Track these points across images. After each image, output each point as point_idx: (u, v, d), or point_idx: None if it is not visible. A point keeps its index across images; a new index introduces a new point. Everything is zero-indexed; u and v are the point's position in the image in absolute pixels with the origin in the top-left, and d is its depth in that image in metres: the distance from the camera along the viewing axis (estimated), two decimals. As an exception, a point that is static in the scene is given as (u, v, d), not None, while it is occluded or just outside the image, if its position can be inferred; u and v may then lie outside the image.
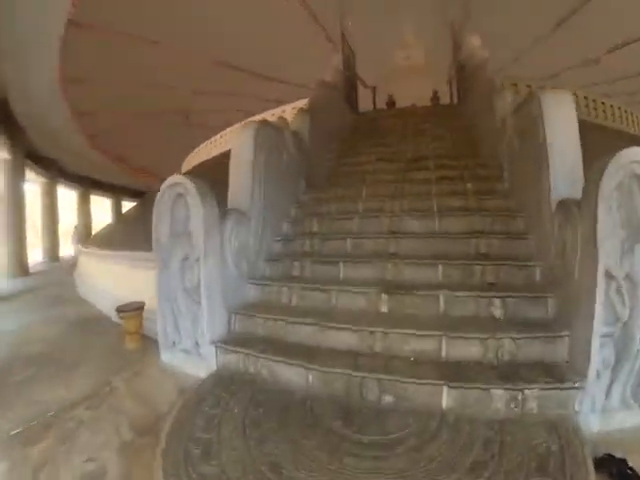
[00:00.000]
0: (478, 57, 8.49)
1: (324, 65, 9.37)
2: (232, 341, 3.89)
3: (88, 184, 23.17)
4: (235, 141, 5.13)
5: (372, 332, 3.47)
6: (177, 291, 4.03)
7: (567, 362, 3.01)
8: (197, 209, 3.90)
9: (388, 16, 15.42)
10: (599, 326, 2.69)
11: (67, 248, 20.46)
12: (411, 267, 4.18)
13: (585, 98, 8.70)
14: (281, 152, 5.67)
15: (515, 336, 3.14)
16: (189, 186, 3.92)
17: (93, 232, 19.67)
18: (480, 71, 7.37)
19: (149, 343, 4.70)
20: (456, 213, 4.87)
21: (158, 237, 4.09)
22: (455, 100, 10.84)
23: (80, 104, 13.29)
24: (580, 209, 2.98)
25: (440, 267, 4.10)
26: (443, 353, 3.24)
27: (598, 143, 4.20)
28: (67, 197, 22.06)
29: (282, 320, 3.88)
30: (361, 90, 12.22)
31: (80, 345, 5.06)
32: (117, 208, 26.80)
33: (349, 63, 9.90)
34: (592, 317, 2.68)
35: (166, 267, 4.05)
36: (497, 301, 3.54)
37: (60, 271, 13.95)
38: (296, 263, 4.76)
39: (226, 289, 4.17)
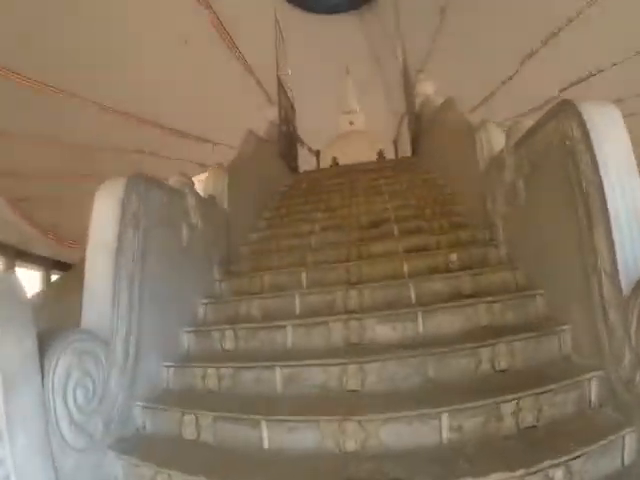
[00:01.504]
0: (435, 102, 7.33)
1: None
2: None
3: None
4: (93, 211, 3.23)
5: None
6: None
7: None
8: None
9: (331, 83, 15.34)
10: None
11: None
12: (388, 426, 2.25)
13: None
14: (178, 225, 3.81)
15: None
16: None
17: None
18: (443, 114, 6.04)
19: None
20: (446, 303, 3.12)
21: None
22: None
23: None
24: None
25: (444, 418, 2.22)
26: None
27: None
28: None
29: None
30: (305, 154, 11.18)
31: None
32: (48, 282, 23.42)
33: (287, 117, 8.52)
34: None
35: None
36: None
37: None
38: (188, 417, 2.72)
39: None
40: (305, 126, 11.00)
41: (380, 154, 13.18)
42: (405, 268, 3.73)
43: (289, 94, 8.79)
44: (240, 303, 3.85)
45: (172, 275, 3.63)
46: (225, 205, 4.78)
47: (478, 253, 3.93)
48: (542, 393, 2.34)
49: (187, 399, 2.99)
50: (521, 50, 11.13)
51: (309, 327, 3.12)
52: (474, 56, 11.60)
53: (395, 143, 15.30)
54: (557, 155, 2.67)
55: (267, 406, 2.54)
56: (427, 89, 8.16)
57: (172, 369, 3.35)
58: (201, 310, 4.04)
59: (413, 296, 3.33)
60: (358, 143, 15.41)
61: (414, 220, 4.74)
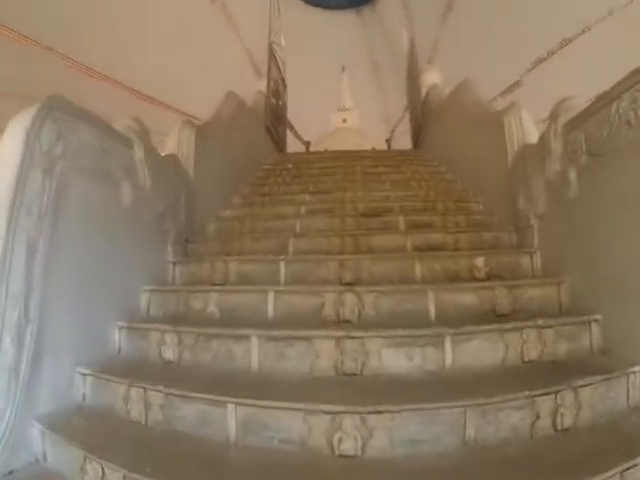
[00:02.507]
0: (443, 90, 6.49)
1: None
2: None
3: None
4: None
5: None
6: None
7: None
8: None
9: (326, 79, 14.88)
10: None
11: None
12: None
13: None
14: (118, 181, 2.80)
15: None
16: None
17: None
18: (456, 100, 5.17)
19: None
20: (483, 326, 2.23)
21: None
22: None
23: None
24: None
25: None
26: None
27: None
28: None
29: None
30: (294, 142, 10.39)
31: None
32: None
33: (277, 90, 7.52)
34: None
35: None
36: None
37: None
38: (91, 466, 1.73)
39: None
40: (297, 120, 10.23)
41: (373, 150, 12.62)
42: (417, 270, 2.82)
43: (281, 67, 7.79)
44: (194, 296, 2.86)
45: (104, 247, 2.64)
46: (190, 169, 3.77)
47: (508, 260, 3.07)
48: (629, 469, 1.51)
49: (100, 432, 2.00)
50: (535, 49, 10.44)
51: (284, 343, 2.14)
52: (485, 49, 10.89)
53: (388, 142, 14.61)
54: (632, 139, 1.85)
55: (212, 471, 1.57)
56: (433, 78, 7.32)
57: (89, 379, 2.37)
58: (143, 299, 3.05)
59: (432, 310, 2.42)
60: (350, 140, 15.05)
61: (423, 213, 3.84)
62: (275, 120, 7.06)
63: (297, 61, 10.60)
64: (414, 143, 7.68)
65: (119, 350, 2.73)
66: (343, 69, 17.70)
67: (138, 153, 3.01)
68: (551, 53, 10.11)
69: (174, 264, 3.40)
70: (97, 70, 10.86)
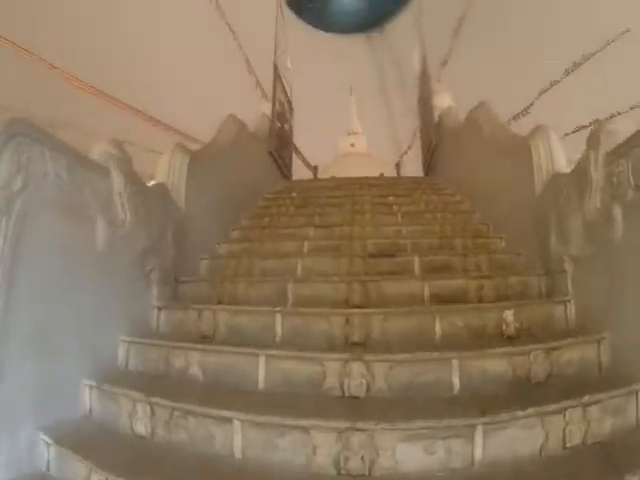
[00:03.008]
0: (457, 114, 6.14)
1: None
2: None
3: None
4: None
5: None
6: None
7: None
8: None
9: (334, 103, 14.87)
10: None
11: None
12: None
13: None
14: (91, 218, 2.44)
15: None
16: None
17: None
18: (473, 124, 4.80)
19: None
20: (517, 412, 1.78)
21: None
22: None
23: None
24: None
25: None
26: None
27: None
28: None
29: None
30: (300, 167, 10.15)
31: None
32: None
33: (283, 113, 7.23)
34: None
35: None
36: None
37: None
38: None
39: None
40: (305, 145, 9.95)
41: (381, 176, 12.35)
42: (437, 327, 2.39)
43: (287, 89, 7.52)
44: (176, 353, 2.45)
45: (74, 293, 2.28)
46: (181, 200, 3.40)
47: (540, 312, 2.64)
48: None
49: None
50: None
51: (273, 432, 1.71)
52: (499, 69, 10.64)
53: (398, 167, 14.31)
54: None
55: None
56: (447, 101, 6.97)
57: (53, 449, 1.97)
58: (122, 351, 2.67)
59: (457, 382, 1.99)
60: (359, 165, 15.01)
61: (440, 252, 3.43)
62: (280, 145, 6.74)
63: (305, 85, 10.43)
64: (426, 169, 7.30)
65: (90, 411, 2.36)
66: (351, 92, 17.67)
67: (116, 184, 2.66)
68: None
69: (159, 309, 3.00)
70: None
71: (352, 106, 17.74)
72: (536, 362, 2.18)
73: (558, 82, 9.95)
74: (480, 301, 2.81)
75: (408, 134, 15.68)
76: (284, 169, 7.03)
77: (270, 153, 6.19)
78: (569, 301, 2.70)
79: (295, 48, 8.53)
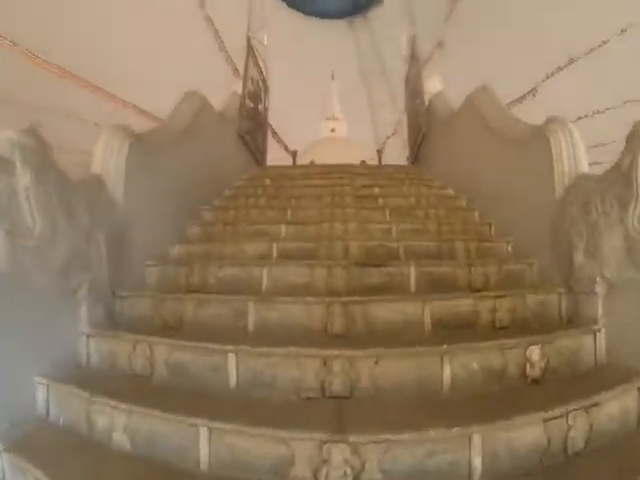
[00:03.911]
0: (448, 99, 5.53)
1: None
2: None
3: None
4: None
5: None
6: None
7: None
8: None
9: (314, 88, 14.33)
10: None
11: None
12: None
13: None
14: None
15: None
16: None
17: None
18: (472, 111, 4.17)
19: None
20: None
21: None
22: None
23: None
24: None
25: None
26: None
27: None
28: None
29: None
30: (278, 153, 9.49)
31: None
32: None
33: (256, 92, 6.46)
34: None
35: None
36: None
37: None
38: None
39: None
40: (284, 128, 9.29)
41: (362, 163, 11.78)
42: (446, 374, 1.79)
43: (262, 66, 6.73)
44: (98, 410, 1.80)
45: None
46: (119, 194, 2.69)
47: (567, 345, 2.08)
48: None
49: None
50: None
51: None
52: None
53: (379, 154, 13.68)
54: None
55: None
56: (438, 85, 6.32)
57: None
58: (40, 395, 2.02)
59: (478, 466, 1.39)
60: (339, 151, 14.60)
61: (440, 260, 2.83)
62: (253, 127, 6.00)
63: (285, 67, 9.72)
64: (413, 158, 6.68)
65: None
66: (333, 77, 17.03)
67: (22, 181, 1.95)
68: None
69: (88, 337, 2.32)
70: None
71: (333, 91, 17.21)
72: (575, 426, 1.62)
73: (572, 62, 9.35)
74: (493, 327, 2.23)
75: (389, 120, 15.15)
76: (257, 154, 6.30)
77: (240, 136, 5.45)
78: (599, 330, 2.17)
79: (276, 28, 7.79)
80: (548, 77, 10.22)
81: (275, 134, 11.11)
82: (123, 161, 2.72)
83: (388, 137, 14.49)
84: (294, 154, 11.04)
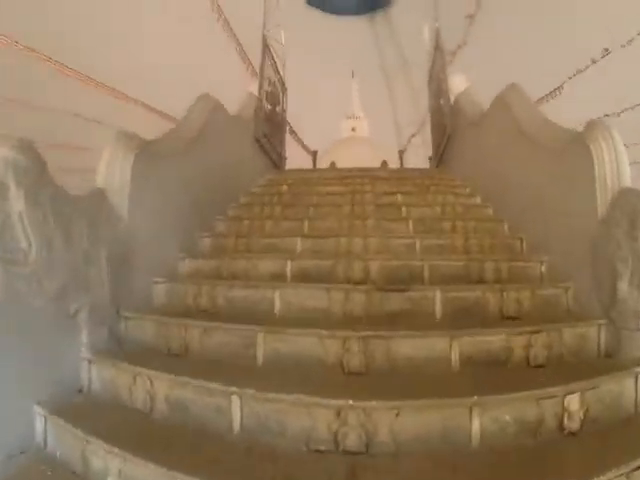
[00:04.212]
0: (477, 100, 5.23)
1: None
2: None
3: None
4: None
5: None
6: None
7: None
8: None
9: (334, 86, 14.08)
10: None
11: None
12: None
13: None
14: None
15: None
16: None
17: None
18: (502, 112, 3.88)
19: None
20: None
21: None
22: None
23: None
24: None
25: None
26: None
27: None
28: None
29: None
30: (298, 155, 9.31)
31: None
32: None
33: (275, 95, 6.28)
34: None
35: None
36: None
37: None
38: None
39: None
40: (304, 128, 9.02)
41: (384, 165, 11.64)
42: (475, 428, 1.56)
43: (279, 66, 6.53)
44: (93, 450, 1.65)
45: None
46: (124, 209, 2.54)
47: (609, 390, 1.82)
48: None
49: None
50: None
51: None
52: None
53: (401, 154, 13.35)
54: None
55: None
56: (460, 83, 5.99)
57: None
58: (39, 426, 1.93)
59: None
60: (360, 150, 14.31)
61: (469, 284, 2.59)
62: (270, 130, 5.82)
63: (305, 66, 9.51)
64: (437, 161, 6.39)
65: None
66: (353, 75, 16.73)
67: (16, 205, 1.82)
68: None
69: (90, 362, 2.18)
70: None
71: (354, 89, 16.88)
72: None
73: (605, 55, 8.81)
74: (527, 365, 1.99)
75: (410, 120, 14.76)
76: (275, 157, 6.12)
77: (257, 139, 5.27)
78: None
79: (294, 26, 7.56)
80: (575, 75, 9.70)
81: (294, 134, 10.91)
82: (128, 173, 2.56)
83: (410, 137, 14.10)
84: (314, 155, 10.87)
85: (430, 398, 1.59)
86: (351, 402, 1.54)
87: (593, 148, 2.44)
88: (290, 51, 7.19)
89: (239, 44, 9.99)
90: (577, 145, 2.57)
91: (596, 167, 2.41)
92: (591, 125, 2.54)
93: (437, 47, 6.39)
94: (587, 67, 8.85)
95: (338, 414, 1.55)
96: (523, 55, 9.49)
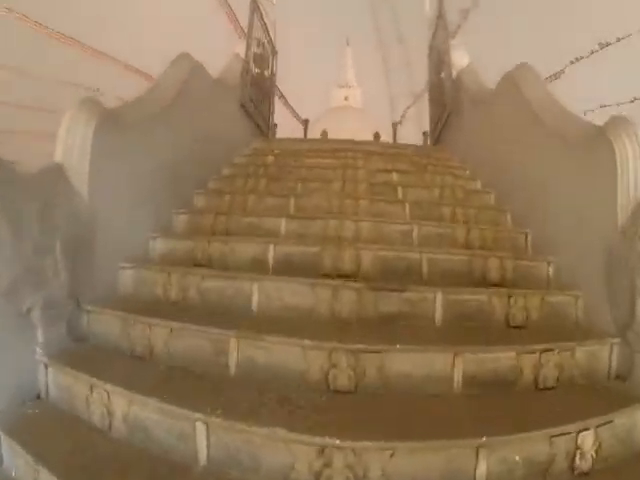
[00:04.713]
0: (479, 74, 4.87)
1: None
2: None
3: None
4: None
5: None
6: None
7: None
8: None
9: (328, 53, 13.42)
10: None
11: None
12: None
13: None
14: None
15: None
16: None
17: None
18: (512, 94, 3.52)
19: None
20: None
21: None
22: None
23: None
24: None
25: None
26: None
27: None
28: None
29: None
30: (289, 124, 8.87)
31: None
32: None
33: (263, 58, 5.78)
34: None
35: None
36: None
37: None
38: None
39: None
40: (294, 95, 8.51)
41: (376, 136, 11.34)
42: (481, 471, 1.34)
43: (269, 27, 5.99)
44: (37, 471, 1.39)
45: None
46: (83, 186, 2.20)
47: (623, 424, 1.62)
48: None
49: None
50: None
51: None
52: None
53: (395, 127, 12.84)
54: None
55: None
56: (463, 58, 5.55)
57: None
58: None
59: None
60: (352, 120, 13.96)
61: (469, 280, 2.35)
62: (257, 95, 5.38)
63: (297, 31, 9.01)
64: (435, 138, 6.04)
65: None
66: (347, 42, 15.94)
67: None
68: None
69: (46, 366, 1.90)
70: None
71: (348, 57, 16.15)
72: None
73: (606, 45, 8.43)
74: (536, 387, 1.77)
75: (406, 92, 14.23)
76: (262, 124, 5.70)
77: (242, 105, 4.84)
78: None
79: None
80: (578, 59, 9.31)
81: (285, 101, 10.40)
82: (89, 144, 2.20)
83: (405, 110, 13.61)
84: (305, 123, 10.42)
85: (431, 439, 1.35)
86: (338, 442, 1.29)
87: (617, 147, 2.16)
88: (281, 13, 6.65)
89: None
90: (597, 140, 2.29)
91: (619, 167, 2.13)
92: (614, 121, 2.25)
93: (440, 15, 5.90)
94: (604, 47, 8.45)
95: (322, 452, 1.31)
96: (534, 35, 9.00)
